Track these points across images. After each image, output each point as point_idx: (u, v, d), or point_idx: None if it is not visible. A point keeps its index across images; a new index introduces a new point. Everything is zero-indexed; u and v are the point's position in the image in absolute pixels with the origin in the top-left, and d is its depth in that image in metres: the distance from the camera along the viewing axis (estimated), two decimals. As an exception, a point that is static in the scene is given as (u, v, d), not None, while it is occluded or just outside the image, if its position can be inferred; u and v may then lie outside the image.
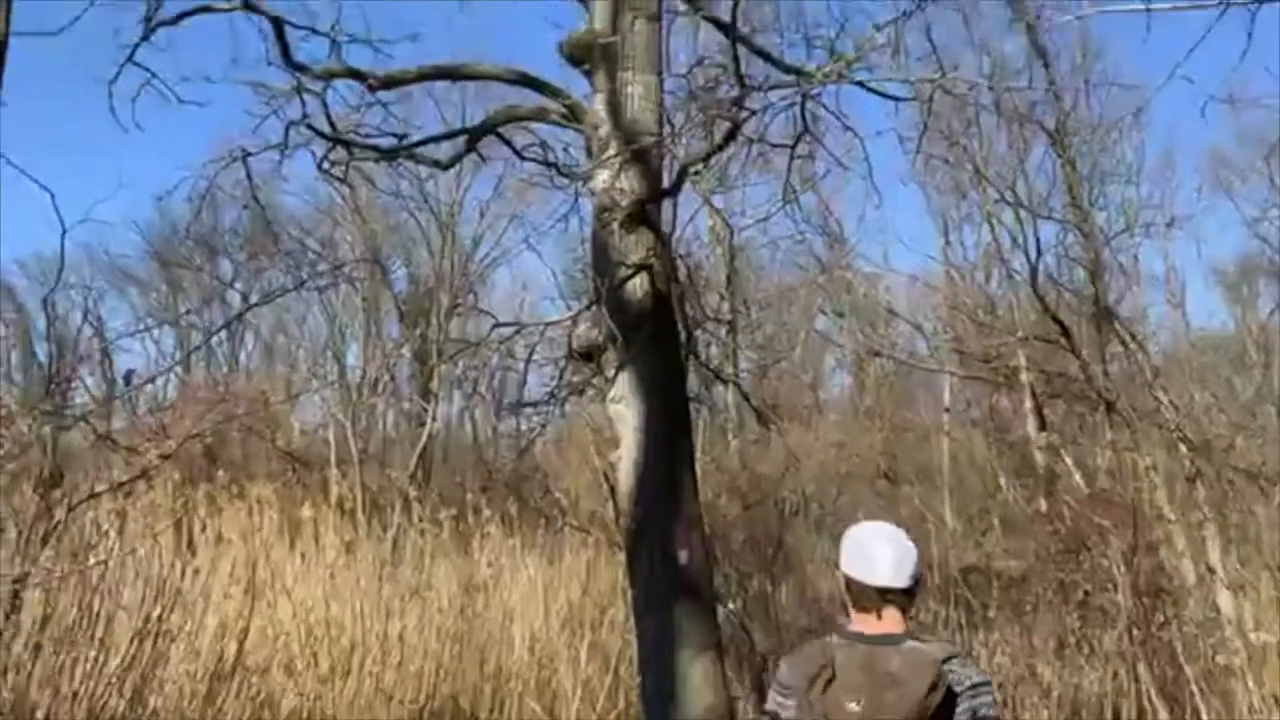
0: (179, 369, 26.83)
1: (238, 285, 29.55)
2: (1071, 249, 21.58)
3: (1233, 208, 26.92)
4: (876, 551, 3.33)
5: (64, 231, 6.10)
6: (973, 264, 24.13)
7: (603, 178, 7.18)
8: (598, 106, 7.35)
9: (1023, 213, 21.41)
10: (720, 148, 7.32)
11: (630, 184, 7.10)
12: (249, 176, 8.77)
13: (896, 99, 8.66)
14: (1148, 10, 3.89)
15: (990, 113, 21.65)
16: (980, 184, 22.56)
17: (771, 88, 6.96)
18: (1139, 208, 21.98)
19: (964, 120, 21.54)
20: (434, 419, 24.85)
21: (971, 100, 21.10)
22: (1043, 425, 21.47)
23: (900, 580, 3.29)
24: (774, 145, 9.41)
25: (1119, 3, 4.36)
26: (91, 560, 7.41)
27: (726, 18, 7.19)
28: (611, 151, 7.01)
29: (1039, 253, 21.44)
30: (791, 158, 9.18)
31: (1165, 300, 26.01)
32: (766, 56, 8.11)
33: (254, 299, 25.90)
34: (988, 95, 21.06)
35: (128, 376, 11.54)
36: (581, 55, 7.43)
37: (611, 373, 7.10)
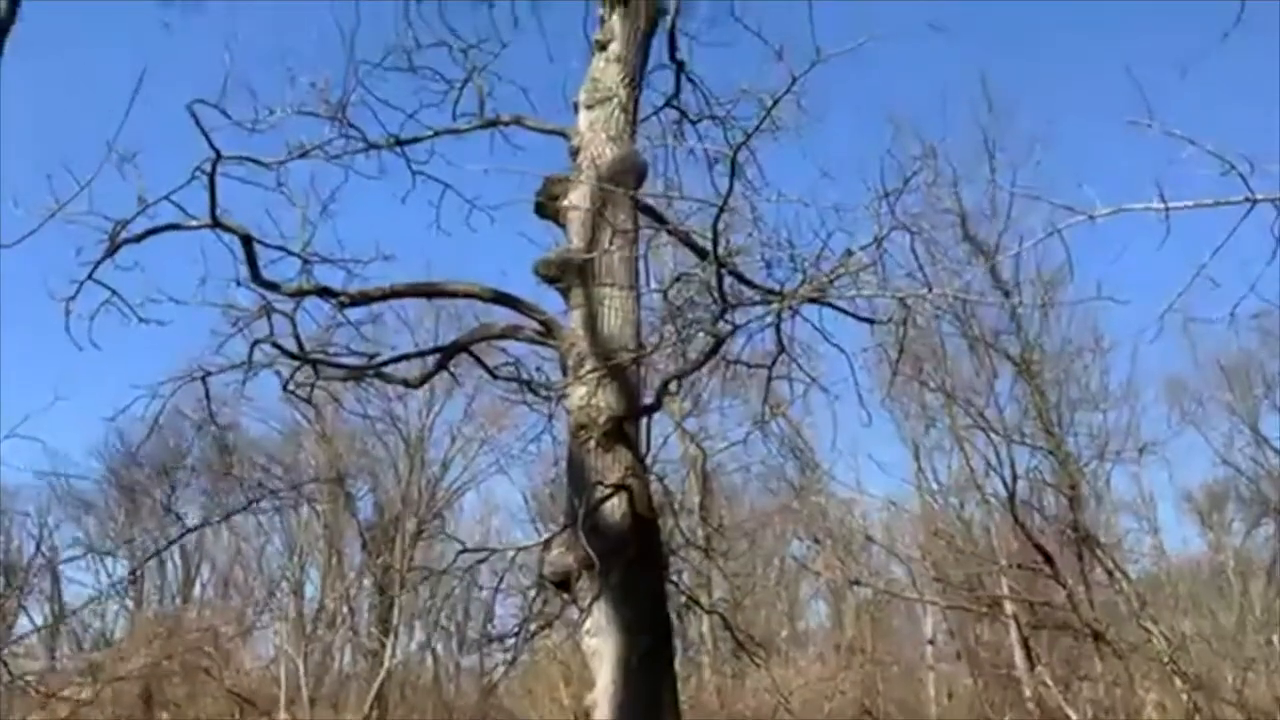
0: (129, 602, 25.49)
1: (195, 510, 28.65)
2: (1046, 474, 21.58)
3: (1199, 433, 27.26)
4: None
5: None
6: (947, 488, 23.96)
7: (579, 395, 6.91)
8: (574, 323, 7.18)
9: (996, 437, 21.50)
10: (701, 363, 7.11)
11: (607, 401, 6.82)
12: (207, 397, 8.46)
13: (871, 321, 8.61)
14: (1166, 209, 3.76)
15: (958, 338, 22.22)
16: (950, 408, 22.76)
17: (753, 304, 6.83)
18: (1108, 434, 22.18)
19: (930, 347, 22.04)
20: (393, 654, 23.50)
21: (938, 329, 21.72)
22: (1030, 657, 20.66)
23: None
24: (751, 366, 9.31)
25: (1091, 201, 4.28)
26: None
27: (703, 241, 7.17)
28: (588, 368, 6.77)
29: (1015, 478, 21.36)
30: (769, 378, 9.04)
31: (1141, 527, 25.85)
32: (741, 278, 8.07)
33: (209, 522, 24.89)
34: (955, 324, 21.70)
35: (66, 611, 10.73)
36: (556, 273, 7.33)
37: (586, 602, 6.54)
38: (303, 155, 7.44)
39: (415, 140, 8.70)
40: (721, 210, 6.05)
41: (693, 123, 9.61)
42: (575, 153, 7.94)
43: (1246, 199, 3.72)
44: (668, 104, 9.63)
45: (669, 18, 8.77)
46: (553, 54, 9.90)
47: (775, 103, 6.03)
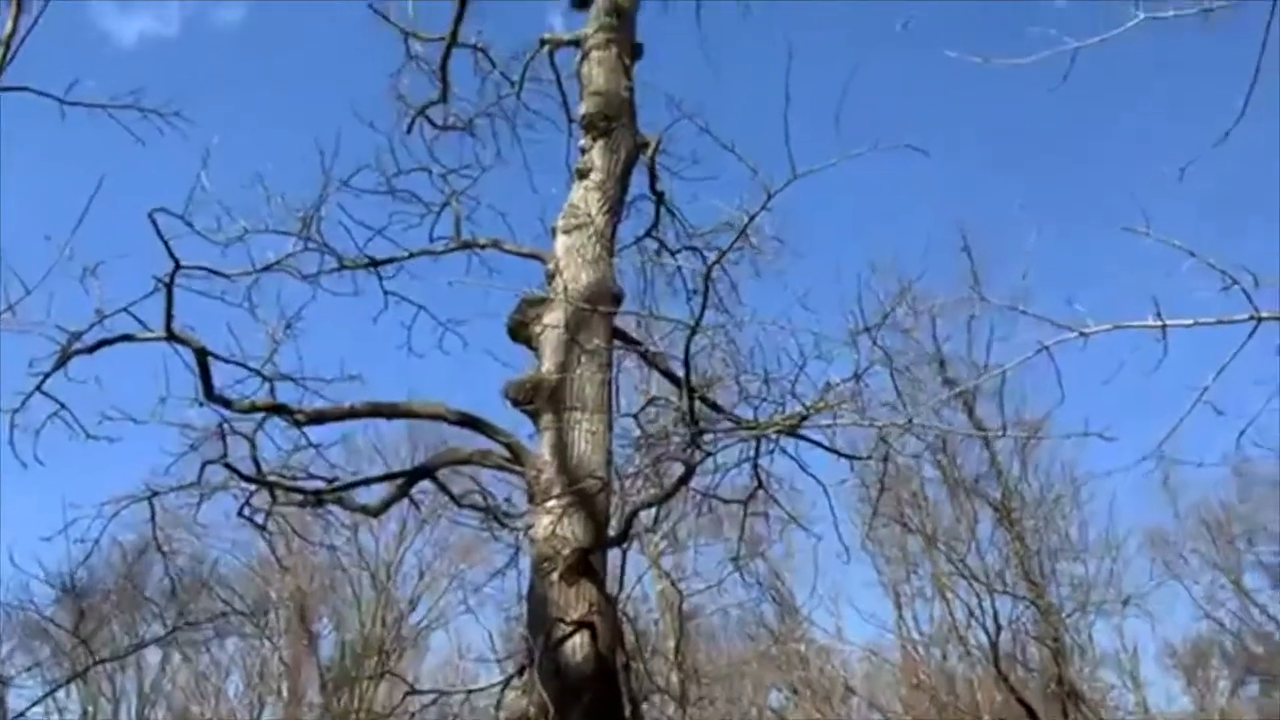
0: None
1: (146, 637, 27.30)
2: (1029, 624, 21.01)
3: (1181, 585, 26.80)
4: None
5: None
6: (929, 638, 23.24)
7: (544, 524, 6.55)
8: (542, 448, 6.89)
9: (978, 585, 20.99)
10: (672, 492, 6.79)
11: (573, 531, 6.47)
12: (153, 519, 8.04)
13: (851, 457, 8.37)
14: (1163, 326, 3.56)
15: (938, 484, 21.96)
16: (931, 553, 22.30)
17: (728, 431, 6.57)
18: (1090, 585, 21.73)
19: (910, 490, 21.76)
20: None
21: (918, 471, 21.48)
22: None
23: None
24: (727, 501, 9.01)
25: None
26: None
27: (677, 368, 6.97)
28: (555, 494, 6.44)
29: (998, 628, 20.77)
30: (745, 514, 8.73)
31: (1124, 684, 25.09)
32: (716, 406, 7.84)
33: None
34: (935, 467, 21.49)
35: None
36: (528, 396, 7.08)
37: (543, 752, 6.02)
38: (267, 269, 7.27)
39: (389, 261, 8.59)
40: (694, 331, 5.86)
41: (671, 253, 9.60)
42: (551, 276, 7.80)
43: (1251, 317, 3.54)
44: (647, 234, 9.62)
45: (650, 151, 8.83)
46: (534, 184, 10.00)
47: (751, 218, 5.94)
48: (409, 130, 10.67)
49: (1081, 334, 3.72)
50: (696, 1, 11.33)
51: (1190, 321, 3.66)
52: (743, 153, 5.96)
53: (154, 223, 6.29)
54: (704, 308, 6.11)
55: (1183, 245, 3.59)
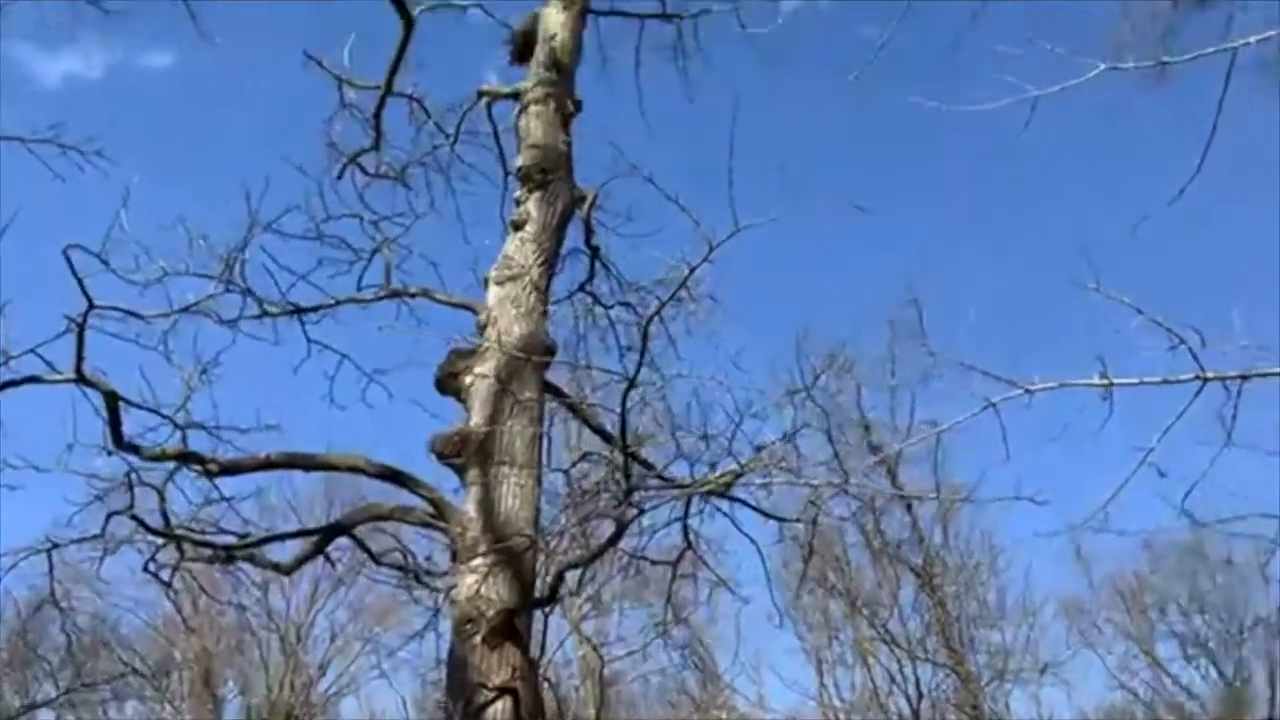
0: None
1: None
2: (949, 692, 21.04)
3: (1096, 654, 27.14)
4: None
5: None
6: (851, 705, 23.10)
7: (467, 584, 6.31)
8: (468, 504, 6.66)
9: (899, 651, 21.01)
10: (602, 550, 6.61)
11: (498, 592, 6.23)
12: (51, 572, 7.60)
13: (781, 519, 8.31)
14: (1109, 385, 3.54)
15: (861, 549, 22.04)
16: (854, 619, 22.28)
17: (660, 489, 6.43)
18: (1007, 653, 21.87)
19: (834, 554, 21.78)
20: None
21: (842, 537, 21.55)
22: None
23: None
24: (655, 562, 8.84)
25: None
26: None
27: (610, 425, 6.86)
28: (480, 552, 6.21)
29: (920, 695, 20.78)
30: (673, 576, 8.57)
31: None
32: (648, 465, 7.71)
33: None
34: (859, 533, 21.58)
35: None
36: (454, 450, 6.86)
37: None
38: (184, 311, 6.99)
39: (315, 308, 8.34)
40: (630, 386, 5.75)
41: (605, 308, 9.50)
42: (483, 327, 7.64)
43: (1196, 377, 3.55)
44: (581, 288, 9.53)
45: (587, 205, 8.78)
46: (467, 235, 9.88)
47: (693, 270, 5.90)
48: (339, 177, 10.48)
49: (1027, 391, 3.70)
50: (635, 61, 11.50)
51: (1136, 380, 3.66)
52: (684, 205, 5.91)
53: (68, 260, 6.00)
54: (641, 363, 6.00)
55: (1130, 302, 3.60)
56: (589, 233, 8.83)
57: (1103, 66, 4.14)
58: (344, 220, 9.04)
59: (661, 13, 13.01)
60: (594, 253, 8.99)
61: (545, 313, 8.00)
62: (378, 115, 11.78)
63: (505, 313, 7.67)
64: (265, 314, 8.17)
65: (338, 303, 8.33)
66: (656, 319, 6.82)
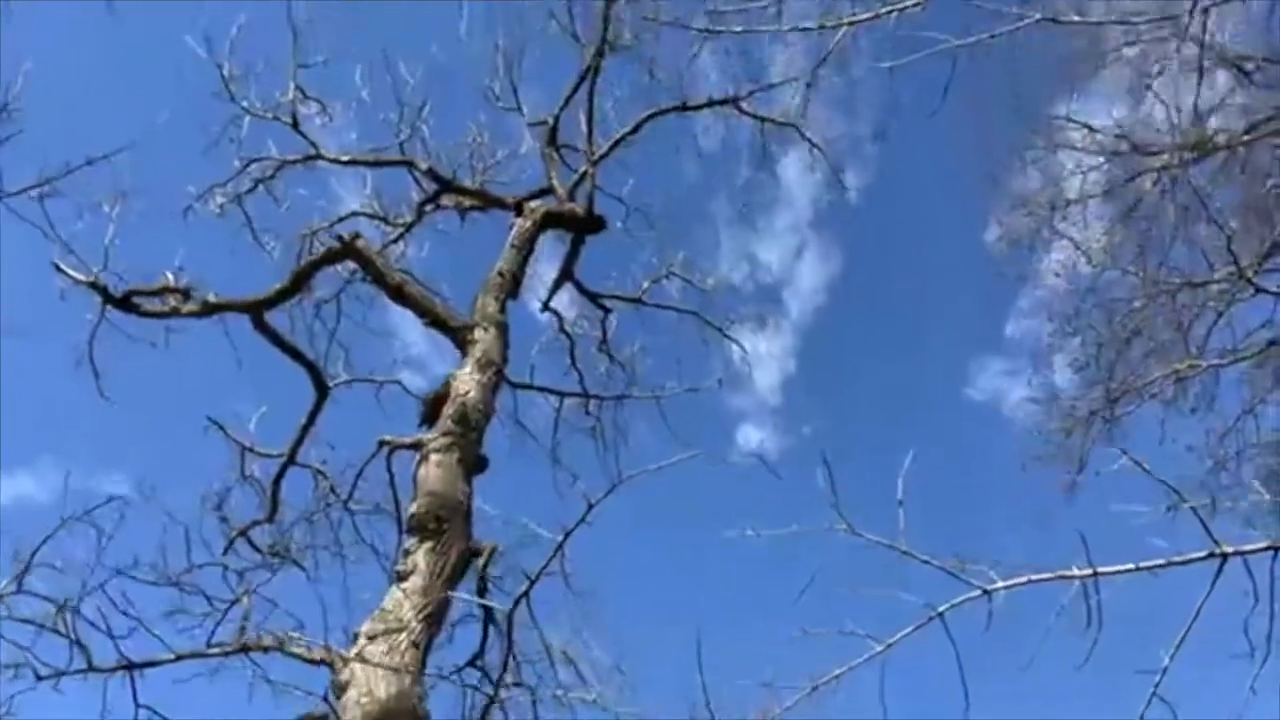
0: None
1: None
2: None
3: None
4: None
5: None
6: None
7: None
8: None
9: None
10: None
11: None
12: None
13: None
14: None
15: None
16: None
17: None
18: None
19: None
20: None
21: None
22: None
23: None
24: None
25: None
26: None
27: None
28: None
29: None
30: None
31: None
32: None
33: None
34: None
35: None
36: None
37: None
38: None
39: (150, 664, 7.13)
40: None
41: (495, 686, 8.33)
42: (341, 688, 6.48)
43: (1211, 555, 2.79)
44: (470, 663, 8.47)
45: (484, 560, 7.97)
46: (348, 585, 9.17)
47: (568, 534, 5.09)
48: (225, 553, 10.08)
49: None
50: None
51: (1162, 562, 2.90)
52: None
53: None
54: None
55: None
56: (483, 589, 7.93)
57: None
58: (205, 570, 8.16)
59: (581, 392, 13.11)
60: (486, 614, 8.03)
61: (420, 677, 6.88)
62: (276, 484, 11.34)
63: (371, 673, 6.56)
64: (92, 668, 6.97)
65: (178, 658, 7.14)
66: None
